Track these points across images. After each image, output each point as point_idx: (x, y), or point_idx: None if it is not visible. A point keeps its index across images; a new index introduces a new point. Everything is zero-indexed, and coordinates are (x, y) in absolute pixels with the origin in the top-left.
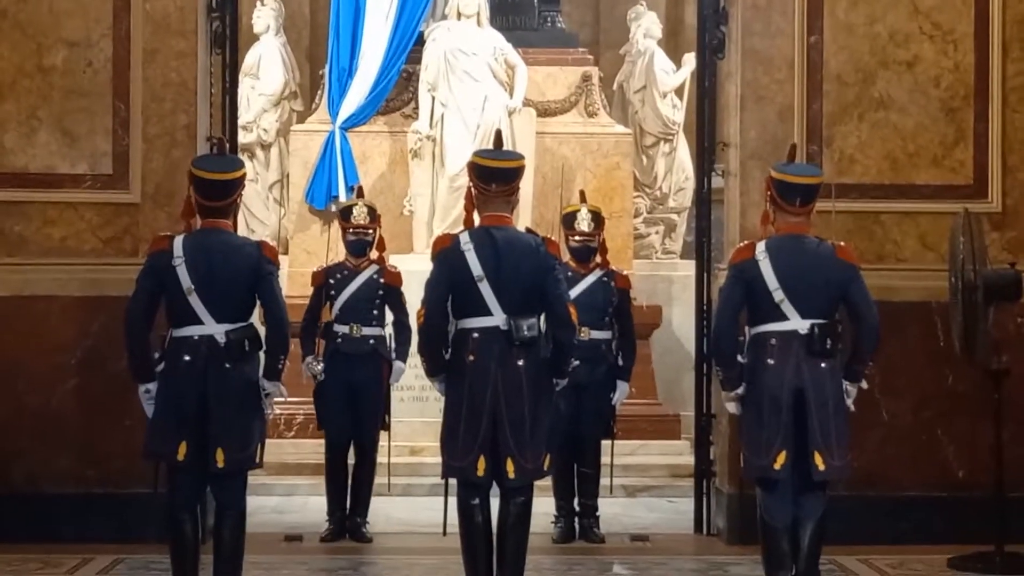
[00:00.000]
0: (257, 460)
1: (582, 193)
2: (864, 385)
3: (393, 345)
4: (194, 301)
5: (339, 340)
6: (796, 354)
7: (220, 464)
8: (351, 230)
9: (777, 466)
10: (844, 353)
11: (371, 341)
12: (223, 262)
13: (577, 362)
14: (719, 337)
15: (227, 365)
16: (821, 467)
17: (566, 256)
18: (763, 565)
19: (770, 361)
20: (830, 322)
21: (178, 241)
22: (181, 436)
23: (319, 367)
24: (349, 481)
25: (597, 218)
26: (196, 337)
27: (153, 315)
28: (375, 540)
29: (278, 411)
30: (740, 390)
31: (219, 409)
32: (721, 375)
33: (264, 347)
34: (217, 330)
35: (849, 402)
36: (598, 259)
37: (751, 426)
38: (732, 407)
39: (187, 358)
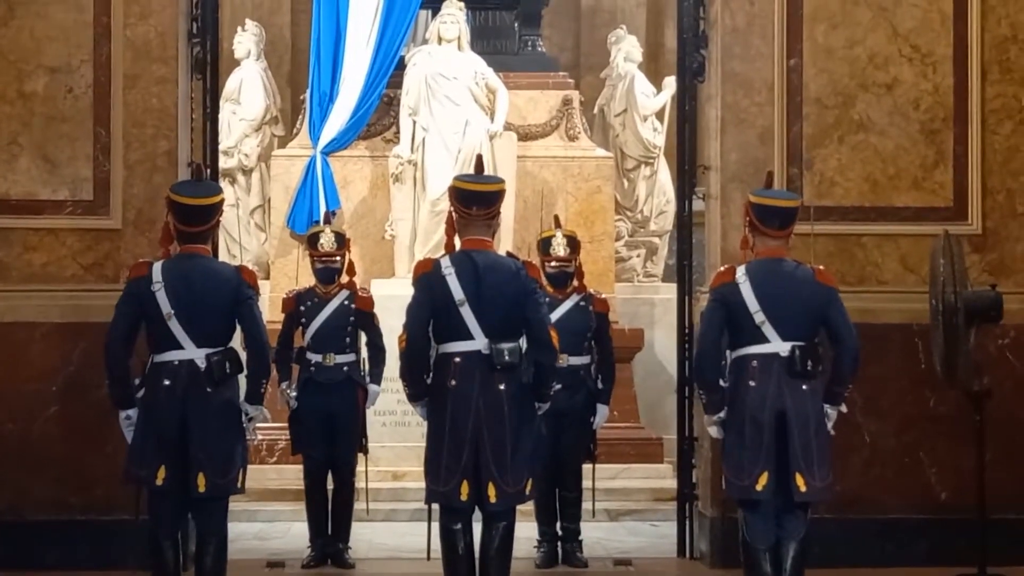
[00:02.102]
0: (239, 485)
1: (556, 218)
2: (844, 408)
3: (367, 368)
4: (174, 326)
5: (312, 369)
6: (777, 376)
7: (201, 489)
8: (319, 258)
9: (759, 487)
10: (824, 376)
11: (344, 368)
12: (202, 287)
13: (559, 386)
14: (702, 361)
15: (208, 389)
16: (803, 488)
17: (542, 282)
18: None
19: (752, 383)
20: (810, 344)
21: (157, 267)
22: (160, 460)
23: (293, 394)
24: (329, 507)
25: (573, 242)
26: (176, 362)
27: (133, 341)
28: (358, 566)
29: (260, 437)
30: (722, 414)
31: (200, 433)
32: (704, 398)
33: (246, 371)
34: (197, 354)
35: (830, 425)
36: (575, 283)
37: (733, 448)
38: (714, 431)
39: (167, 382)
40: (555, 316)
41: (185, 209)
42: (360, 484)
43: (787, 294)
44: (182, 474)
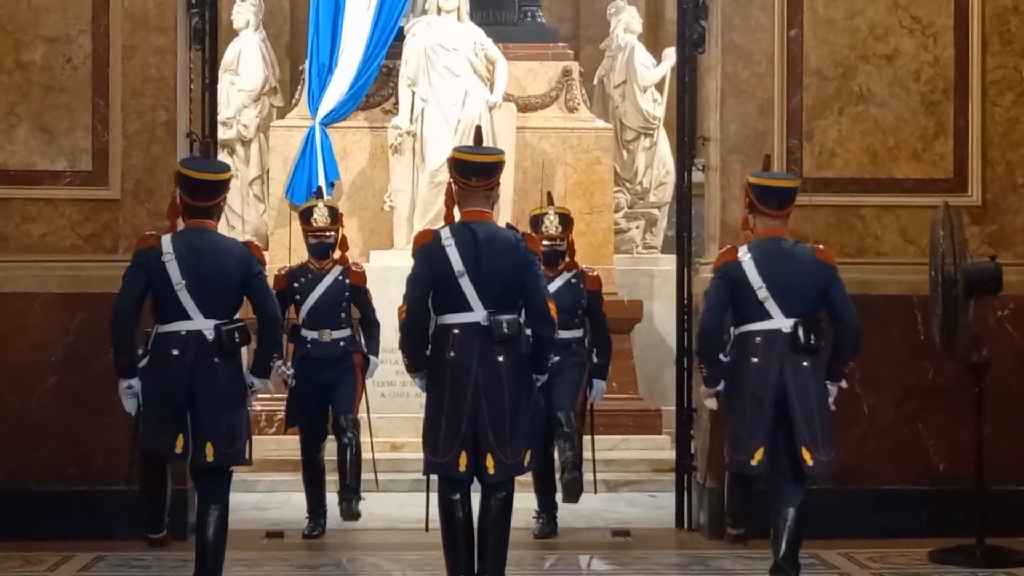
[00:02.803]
0: (247, 456)
1: (549, 195)
2: (844, 384)
3: (364, 342)
4: (183, 296)
5: (309, 345)
6: (780, 352)
7: (210, 458)
8: (313, 233)
9: (754, 462)
10: (825, 352)
11: (341, 343)
12: (213, 260)
13: (557, 357)
14: (706, 336)
15: (216, 359)
16: (809, 462)
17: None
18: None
19: (754, 359)
20: (812, 320)
21: (166, 238)
22: (178, 429)
23: (290, 371)
24: (324, 482)
25: (565, 220)
26: (184, 332)
27: (140, 311)
28: (357, 536)
29: (259, 407)
30: (720, 387)
31: (208, 403)
32: (705, 372)
33: (255, 344)
34: (205, 325)
35: (830, 401)
36: (567, 260)
37: (733, 422)
38: (711, 403)
39: (175, 352)
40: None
41: (194, 183)
42: (366, 454)
43: (789, 272)
44: (192, 444)
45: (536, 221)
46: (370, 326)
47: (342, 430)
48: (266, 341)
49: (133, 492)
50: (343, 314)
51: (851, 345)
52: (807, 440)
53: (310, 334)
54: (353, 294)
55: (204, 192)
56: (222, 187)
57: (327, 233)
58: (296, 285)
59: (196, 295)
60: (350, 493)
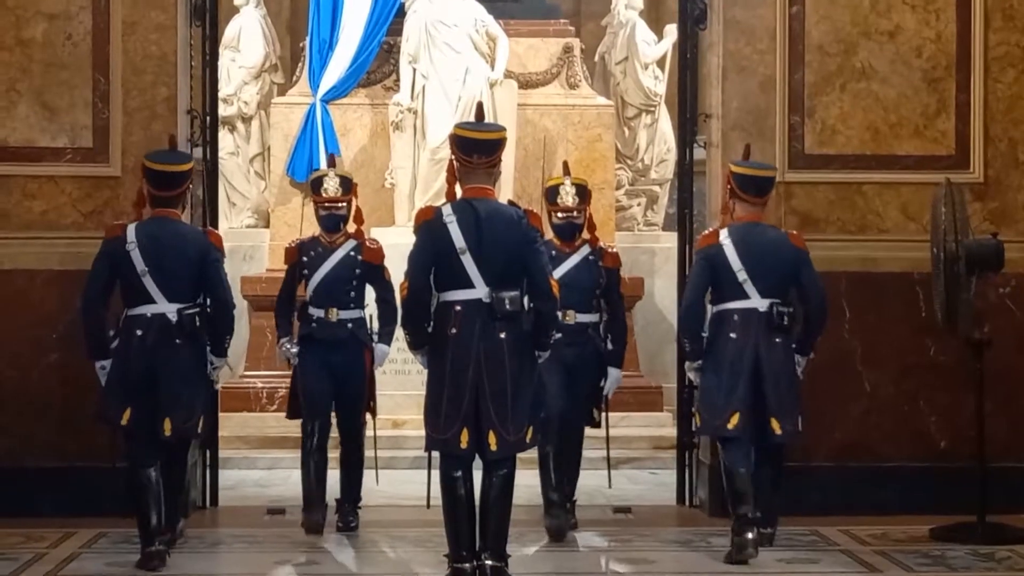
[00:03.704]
0: (198, 431)
1: (565, 164)
2: (812, 356)
3: (377, 327)
4: (147, 282)
5: (314, 324)
6: (756, 329)
7: (167, 432)
8: (323, 204)
9: (730, 426)
10: (796, 328)
11: (349, 325)
12: (173, 247)
13: (559, 335)
14: (688, 314)
15: (177, 340)
16: (778, 432)
17: (549, 234)
18: (729, 505)
19: (732, 335)
20: (785, 301)
21: (131, 228)
22: (126, 403)
23: (294, 350)
24: (325, 475)
25: (582, 191)
26: (149, 315)
27: (108, 296)
28: (359, 513)
29: (259, 384)
30: (701, 360)
31: (167, 381)
32: (688, 347)
33: (209, 327)
34: (168, 308)
35: (800, 371)
36: (585, 235)
37: (710, 391)
38: (694, 376)
39: (139, 333)
40: (561, 270)
41: (157, 175)
42: (368, 433)
43: (766, 255)
44: (150, 418)
45: (552, 192)
46: (385, 309)
47: (346, 438)
48: (219, 325)
49: (115, 468)
50: (353, 293)
51: (819, 323)
52: (775, 411)
53: (316, 312)
54: (366, 272)
55: (167, 183)
56: (183, 178)
57: (338, 204)
58: (305, 259)
59: (159, 281)
60: (347, 507)
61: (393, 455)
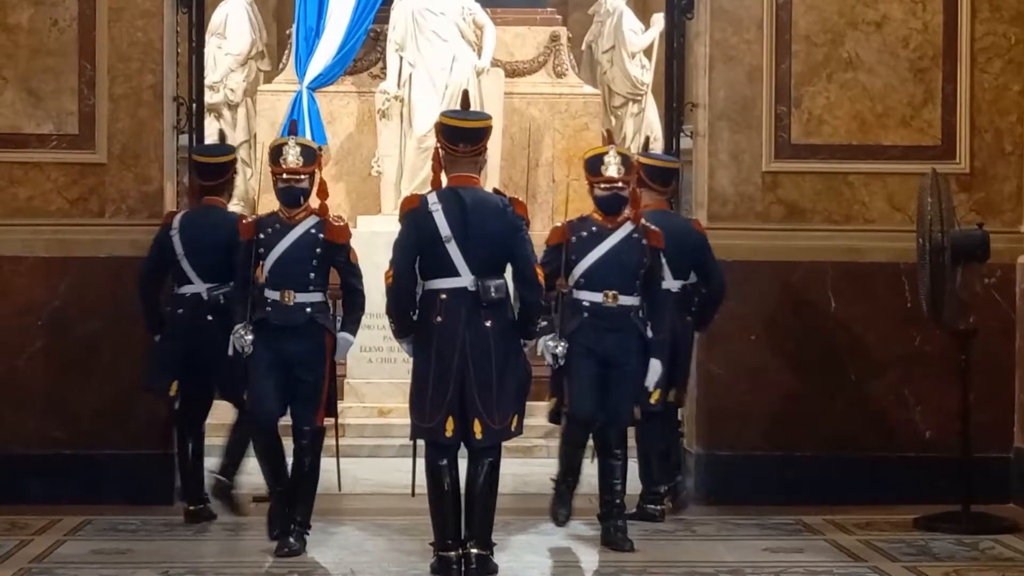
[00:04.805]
0: (244, 397)
1: (609, 133)
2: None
3: (341, 314)
4: (184, 265)
5: (269, 308)
6: (672, 310)
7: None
8: (282, 175)
9: (653, 400)
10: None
11: (307, 309)
12: (210, 233)
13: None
14: None
15: (209, 317)
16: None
17: (590, 208)
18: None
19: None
20: (693, 283)
21: (178, 216)
22: (173, 376)
23: (248, 337)
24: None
25: (627, 162)
26: (188, 295)
27: (160, 277)
28: (344, 501)
29: None
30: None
31: (201, 358)
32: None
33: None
34: (202, 288)
35: (698, 335)
36: (626, 212)
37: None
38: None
39: (180, 311)
40: (604, 247)
41: (202, 166)
42: (342, 420)
43: (674, 241)
44: (197, 391)
45: (594, 162)
46: (350, 295)
47: (300, 446)
48: (239, 300)
49: (167, 457)
50: (313, 274)
51: (717, 301)
52: (677, 380)
53: (271, 295)
54: (328, 252)
55: (211, 173)
56: (226, 168)
57: (299, 176)
58: (262, 236)
59: (193, 263)
60: (297, 529)
61: (379, 443)
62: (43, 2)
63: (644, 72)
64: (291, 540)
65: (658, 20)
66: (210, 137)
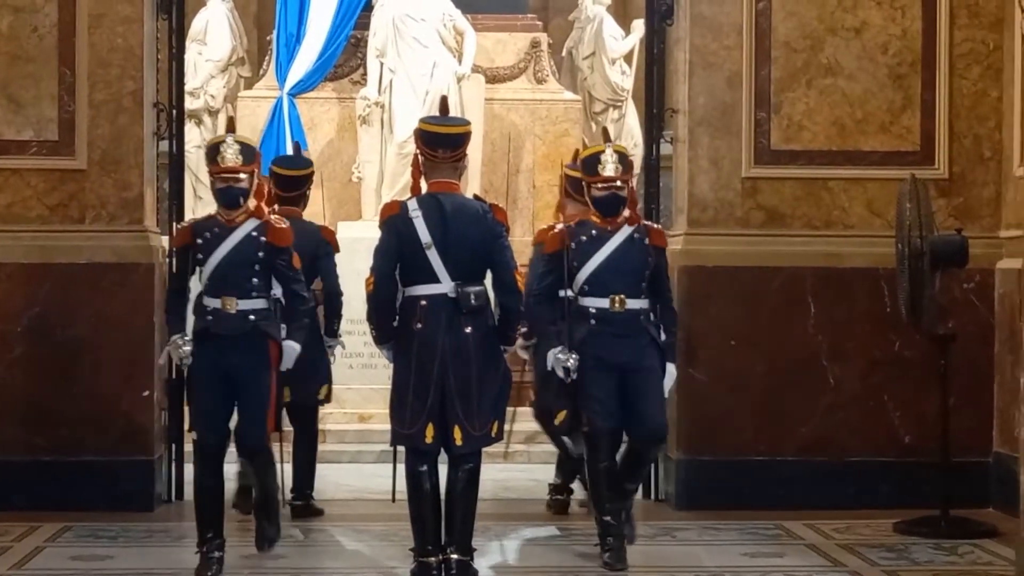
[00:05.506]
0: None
1: (605, 131)
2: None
3: (285, 322)
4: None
5: (209, 318)
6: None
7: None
8: (220, 175)
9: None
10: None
11: (251, 317)
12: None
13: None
14: (536, 305)
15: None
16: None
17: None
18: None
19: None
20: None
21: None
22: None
23: (187, 348)
24: (221, 504)
25: (624, 160)
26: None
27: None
28: (324, 507)
29: None
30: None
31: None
32: (550, 338)
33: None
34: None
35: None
36: (625, 213)
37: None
38: (525, 353)
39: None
40: (606, 251)
41: (280, 178)
42: (323, 426)
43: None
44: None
45: (590, 162)
46: (292, 301)
47: (247, 464)
48: (328, 309)
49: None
50: (256, 280)
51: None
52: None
53: (211, 303)
54: (269, 256)
55: (289, 185)
56: (304, 181)
57: (238, 176)
58: (199, 241)
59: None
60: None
61: (359, 449)
62: (23, 8)
63: (624, 78)
64: (266, 528)
65: (638, 26)
66: (190, 144)
